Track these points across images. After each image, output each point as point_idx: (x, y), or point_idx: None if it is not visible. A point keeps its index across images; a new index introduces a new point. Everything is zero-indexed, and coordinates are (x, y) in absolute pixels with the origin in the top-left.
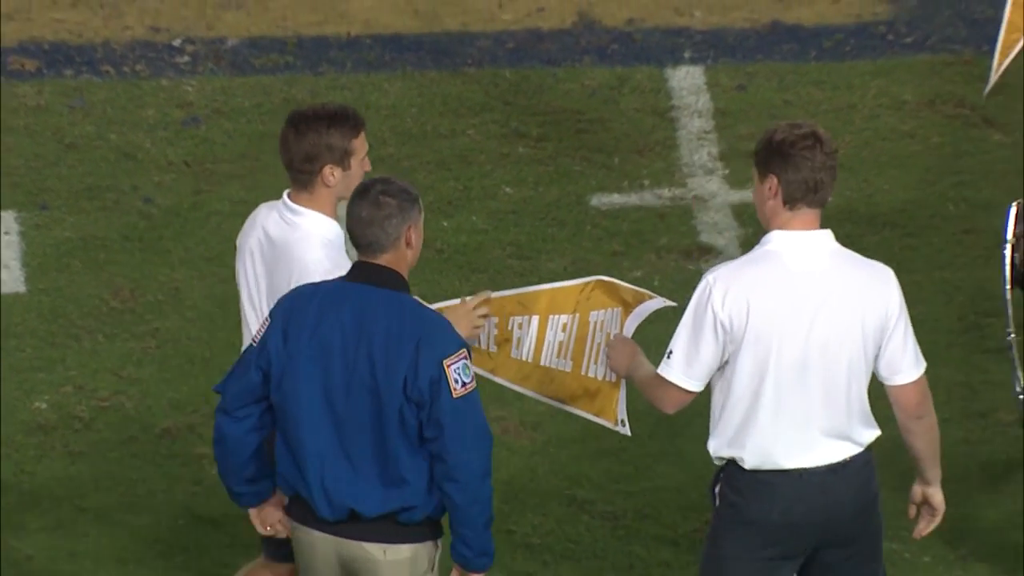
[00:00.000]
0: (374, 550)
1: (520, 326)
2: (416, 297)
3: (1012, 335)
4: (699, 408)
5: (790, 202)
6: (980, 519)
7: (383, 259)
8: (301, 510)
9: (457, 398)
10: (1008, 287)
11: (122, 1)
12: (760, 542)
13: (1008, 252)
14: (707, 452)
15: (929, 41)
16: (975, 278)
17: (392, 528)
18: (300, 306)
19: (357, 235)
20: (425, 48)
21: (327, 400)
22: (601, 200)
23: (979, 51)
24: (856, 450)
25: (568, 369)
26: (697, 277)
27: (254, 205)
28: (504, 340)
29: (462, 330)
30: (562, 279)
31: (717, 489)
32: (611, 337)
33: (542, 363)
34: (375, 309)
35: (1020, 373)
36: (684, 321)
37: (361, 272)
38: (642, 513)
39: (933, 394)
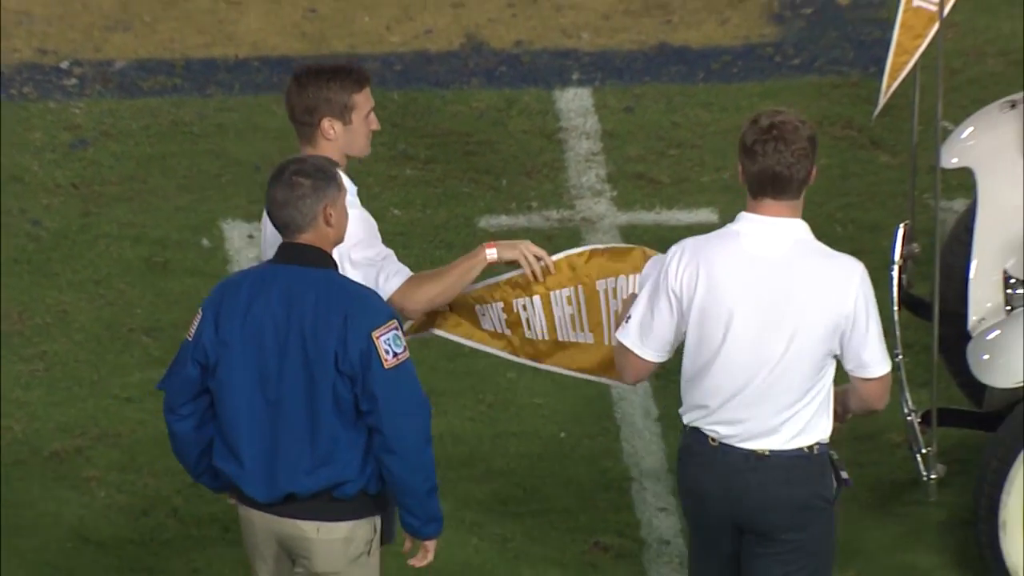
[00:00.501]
0: (308, 528)
1: (524, 307)
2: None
3: (900, 356)
4: (587, 430)
5: (752, 192)
6: (868, 540)
7: (304, 238)
8: (240, 490)
9: (389, 368)
10: (896, 308)
11: (9, 23)
12: (686, 505)
13: (896, 273)
14: (596, 474)
15: (817, 63)
16: None
17: (326, 506)
18: (230, 294)
19: (274, 217)
20: None
21: (261, 384)
22: (489, 222)
23: (866, 73)
24: (782, 447)
25: (591, 341)
26: None
27: (142, 228)
28: (515, 323)
29: (509, 250)
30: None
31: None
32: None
33: (560, 339)
34: (302, 288)
35: (908, 395)
36: (644, 287)
37: (285, 253)
38: (531, 535)
39: None
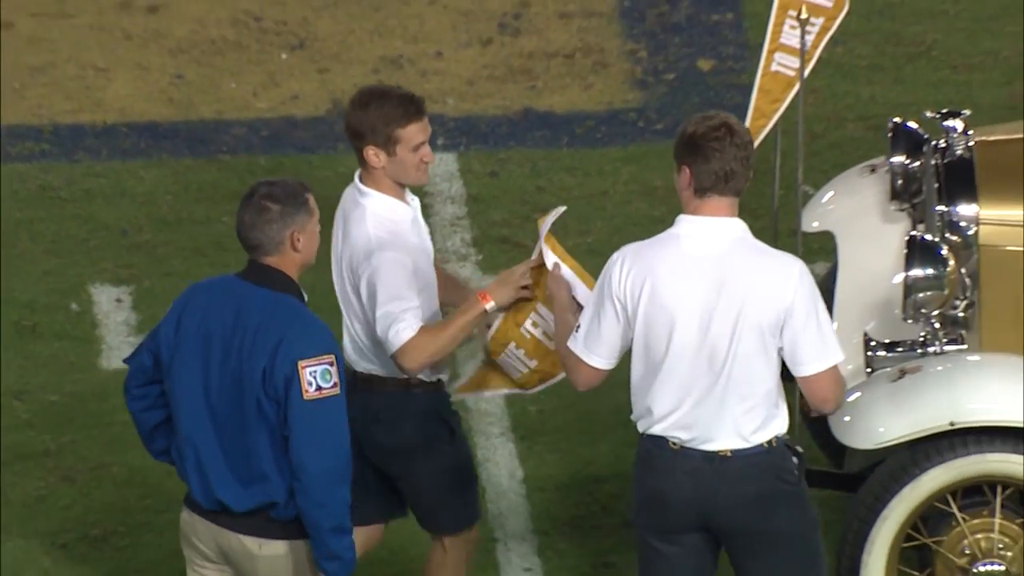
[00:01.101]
0: (250, 543)
1: (535, 324)
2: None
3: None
4: None
5: (700, 191)
6: None
7: (269, 261)
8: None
9: (308, 400)
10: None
11: None
12: (645, 511)
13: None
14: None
15: (679, 127)
16: None
17: (266, 523)
18: (195, 297)
19: (242, 238)
20: (181, 136)
21: (205, 392)
22: None
23: None
24: (743, 445)
25: None
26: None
27: (11, 292)
28: (533, 348)
29: (504, 294)
30: None
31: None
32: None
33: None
34: (252, 306)
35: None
36: (592, 296)
37: (249, 271)
38: None
39: None
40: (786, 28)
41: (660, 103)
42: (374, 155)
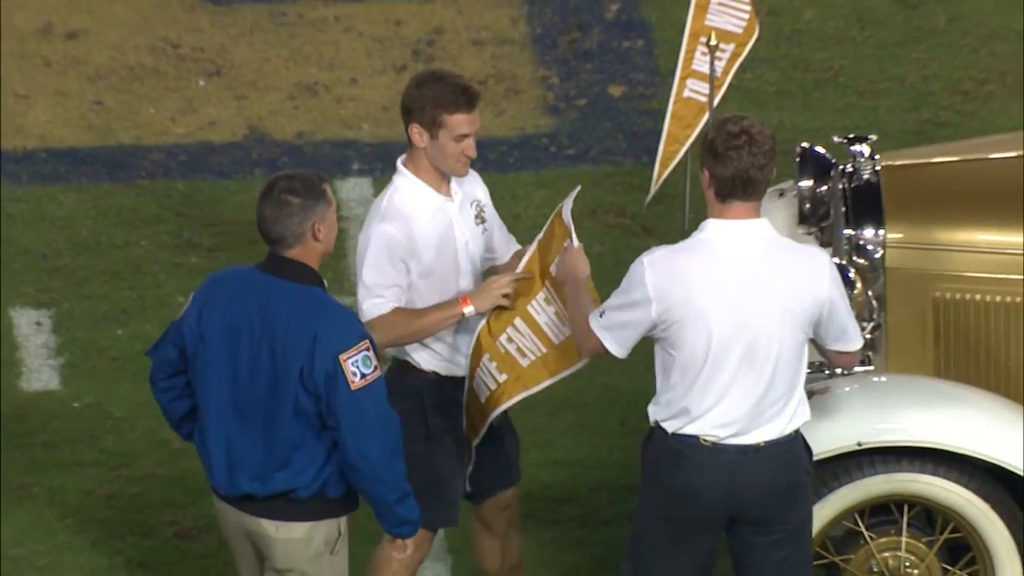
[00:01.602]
0: (268, 526)
1: (510, 339)
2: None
3: None
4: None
5: (721, 196)
6: None
7: (291, 253)
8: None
9: (356, 390)
10: None
11: None
12: (669, 507)
13: None
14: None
15: (591, 153)
16: (636, 384)
17: (285, 506)
18: (216, 288)
19: (264, 232)
20: (100, 161)
21: (231, 384)
22: None
23: (639, 162)
24: (774, 436)
25: None
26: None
27: None
28: (504, 361)
29: (484, 300)
30: None
31: (644, 452)
32: (566, 248)
33: (556, 342)
34: (279, 300)
35: None
36: (619, 292)
37: (271, 264)
38: None
39: (597, 495)
40: (697, 55)
41: (572, 129)
42: (417, 134)
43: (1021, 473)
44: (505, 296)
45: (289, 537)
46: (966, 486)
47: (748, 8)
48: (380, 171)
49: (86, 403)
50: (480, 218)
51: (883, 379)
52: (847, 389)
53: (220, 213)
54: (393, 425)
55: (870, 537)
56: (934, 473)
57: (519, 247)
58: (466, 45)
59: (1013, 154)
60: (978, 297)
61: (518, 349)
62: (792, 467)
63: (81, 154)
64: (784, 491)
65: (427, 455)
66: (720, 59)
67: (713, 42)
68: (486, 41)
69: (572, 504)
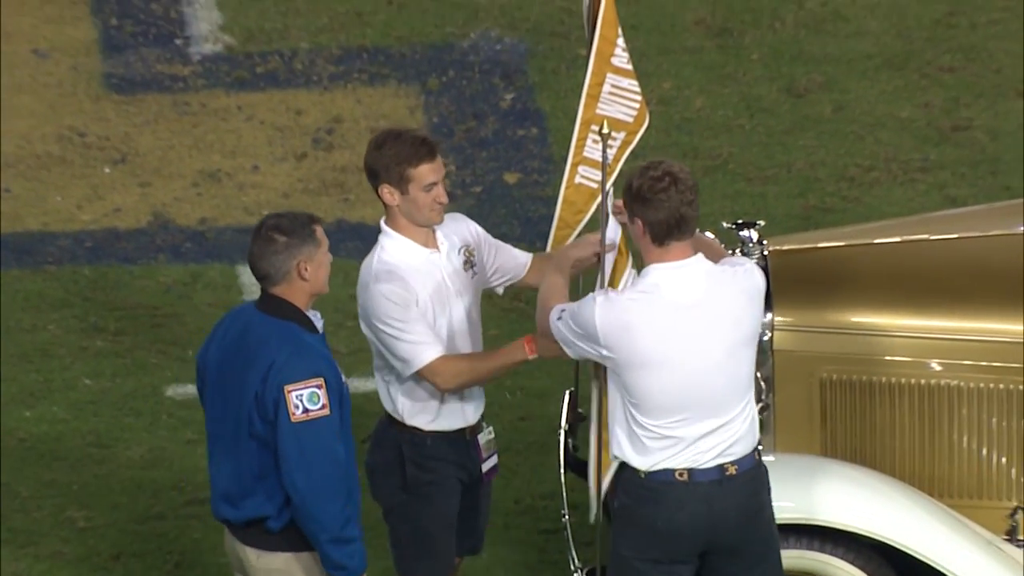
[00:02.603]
0: (250, 554)
1: None
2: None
3: (567, 517)
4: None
5: (658, 240)
6: None
7: (277, 290)
8: None
9: (296, 423)
10: (562, 471)
11: None
12: (647, 545)
13: (562, 438)
14: None
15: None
16: (531, 462)
17: (263, 534)
18: (221, 322)
19: (252, 269)
20: (8, 247)
21: (217, 410)
22: (176, 391)
23: (532, 247)
24: (740, 455)
25: None
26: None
27: None
28: None
29: (548, 348)
30: (139, 467)
31: (616, 492)
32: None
33: None
34: (254, 332)
35: (575, 552)
36: (575, 312)
37: (260, 299)
38: None
39: (493, 574)
40: (589, 142)
41: (468, 215)
42: (388, 193)
43: (907, 551)
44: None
45: (269, 567)
46: (852, 563)
47: (639, 97)
48: None
49: None
50: (469, 263)
51: (771, 458)
52: None
53: (125, 297)
54: (333, 465)
55: None
56: (820, 550)
57: (529, 256)
58: (365, 133)
59: (897, 239)
60: (864, 378)
61: None
62: (760, 491)
63: None
64: (756, 515)
65: (407, 509)
66: (612, 146)
67: (605, 130)
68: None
69: None
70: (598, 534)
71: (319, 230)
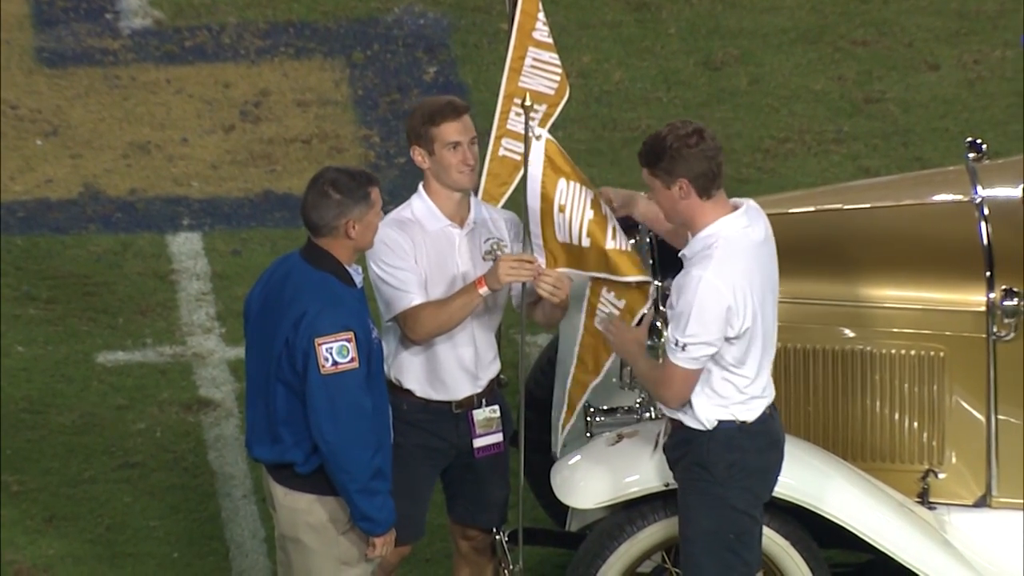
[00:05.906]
0: (278, 491)
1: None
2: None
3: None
4: (198, 551)
5: (706, 192)
6: None
7: (322, 242)
8: None
9: (325, 375)
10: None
11: None
12: (762, 488)
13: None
14: None
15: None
16: None
17: (291, 475)
18: (269, 268)
19: (303, 215)
20: None
21: (255, 353)
22: (107, 357)
23: None
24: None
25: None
26: (197, 429)
27: None
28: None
29: (495, 280)
30: (71, 432)
31: (706, 457)
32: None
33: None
34: (294, 279)
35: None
36: (689, 316)
37: (304, 247)
38: None
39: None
40: (512, 115)
41: (392, 186)
42: (419, 156)
43: (821, 513)
44: (513, 271)
45: (294, 507)
46: (768, 525)
47: (559, 71)
48: (209, 226)
49: None
50: (491, 255)
51: None
52: (655, 433)
53: (57, 266)
54: (361, 417)
55: (676, 574)
56: None
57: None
58: (291, 106)
59: (811, 209)
60: (778, 345)
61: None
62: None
63: None
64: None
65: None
66: (534, 119)
67: (527, 103)
68: (310, 102)
69: None
70: (520, 497)
71: (375, 192)
